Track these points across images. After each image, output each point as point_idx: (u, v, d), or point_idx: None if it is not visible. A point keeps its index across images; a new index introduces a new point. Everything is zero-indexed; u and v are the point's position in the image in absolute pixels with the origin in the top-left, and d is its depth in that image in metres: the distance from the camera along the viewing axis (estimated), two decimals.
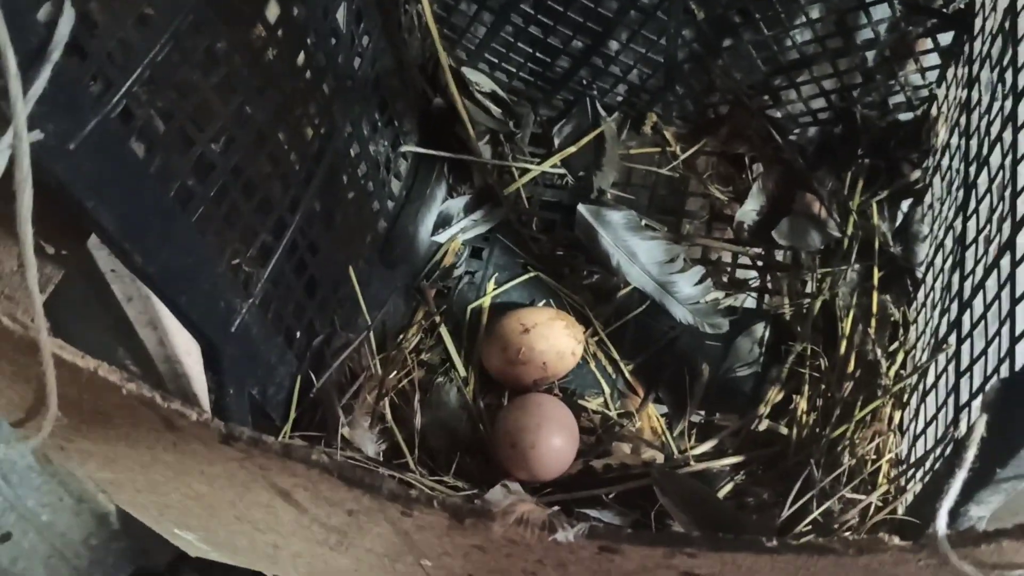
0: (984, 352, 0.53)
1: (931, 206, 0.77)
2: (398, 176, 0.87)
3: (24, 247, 0.38)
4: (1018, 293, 0.49)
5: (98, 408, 0.47)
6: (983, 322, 0.54)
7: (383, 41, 0.78)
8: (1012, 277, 0.50)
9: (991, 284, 0.53)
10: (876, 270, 0.78)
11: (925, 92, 0.82)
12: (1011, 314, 0.49)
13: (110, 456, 0.55)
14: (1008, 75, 0.56)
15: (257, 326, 0.65)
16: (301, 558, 0.66)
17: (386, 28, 0.78)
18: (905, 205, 0.82)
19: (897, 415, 0.71)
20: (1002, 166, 0.56)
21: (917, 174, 0.81)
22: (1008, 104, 0.55)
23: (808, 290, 0.82)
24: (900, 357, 0.73)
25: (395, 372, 0.78)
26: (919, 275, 0.76)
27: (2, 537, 1.03)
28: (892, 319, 0.75)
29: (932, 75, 0.80)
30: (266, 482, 0.51)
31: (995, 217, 0.55)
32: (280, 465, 0.48)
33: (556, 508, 0.46)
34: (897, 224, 0.81)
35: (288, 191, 0.66)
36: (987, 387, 0.52)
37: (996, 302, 0.52)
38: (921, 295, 0.74)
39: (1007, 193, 0.55)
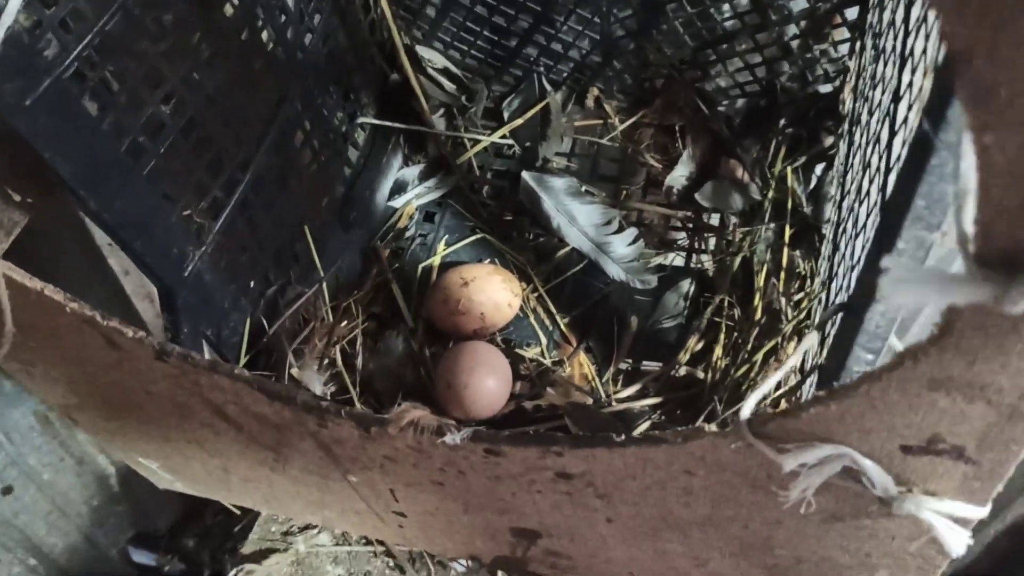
0: (840, 287, 0.59)
1: (837, 169, 0.83)
2: (356, 146, 0.95)
3: None
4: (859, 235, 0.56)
5: (51, 330, 0.55)
6: (843, 260, 0.61)
7: (335, 20, 0.85)
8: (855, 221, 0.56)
9: (849, 226, 0.60)
10: (788, 228, 0.84)
11: (841, 64, 0.88)
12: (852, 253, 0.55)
13: (71, 378, 0.62)
14: (869, 39, 0.62)
15: (210, 273, 0.72)
16: (250, 483, 0.74)
17: (337, 8, 0.85)
18: (819, 169, 0.89)
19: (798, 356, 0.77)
20: (868, 123, 0.62)
21: (831, 140, 0.87)
22: (874, 66, 0.61)
23: (731, 249, 0.88)
24: (804, 304, 0.80)
25: (346, 322, 0.85)
26: (824, 232, 0.82)
27: (4, 490, 1.07)
28: (799, 272, 0.81)
29: (844, 48, 0.86)
30: (201, 400, 0.59)
31: (859, 171, 0.62)
32: (209, 380, 0.55)
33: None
34: (811, 187, 0.88)
35: (239, 151, 0.73)
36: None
37: (851, 241, 0.59)
38: (823, 248, 0.81)
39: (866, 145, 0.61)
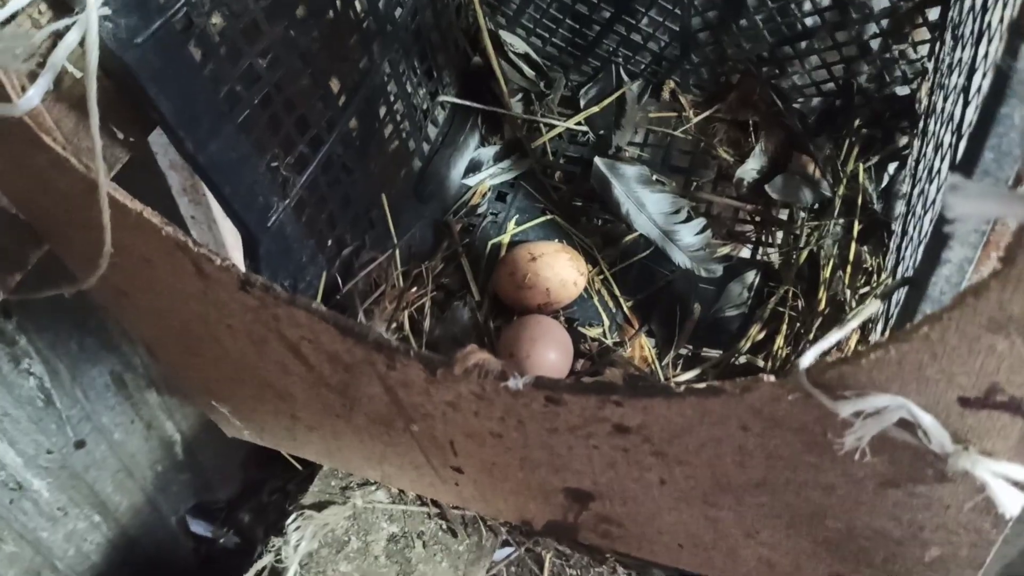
0: (907, 268, 0.60)
1: (911, 167, 0.83)
2: (435, 123, 0.97)
3: (89, 94, 0.49)
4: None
5: (144, 256, 0.58)
6: (911, 242, 0.61)
7: None
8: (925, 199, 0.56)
9: (919, 209, 0.60)
10: (856, 223, 0.84)
11: (919, 66, 0.88)
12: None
13: (158, 309, 0.66)
14: (948, 33, 0.62)
15: (291, 226, 0.75)
16: (314, 432, 0.76)
17: None
18: (892, 168, 0.89)
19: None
20: (942, 108, 0.62)
21: (905, 140, 0.88)
22: (951, 56, 0.62)
23: (798, 243, 0.89)
24: (869, 298, 0.80)
25: (415, 289, 0.88)
26: (893, 228, 0.82)
27: (78, 443, 1.11)
28: (866, 266, 0.82)
29: (924, 49, 0.87)
30: (278, 335, 0.61)
31: (933, 160, 0.62)
32: (287, 314, 0.57)
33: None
34: (883, 185, 0.88)
35: (326, 112, 0.76)
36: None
37: (920, 223, 0.59)
38: (892, 244, 0.81)
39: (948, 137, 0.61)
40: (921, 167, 0.67)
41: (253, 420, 0.81)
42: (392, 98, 0.87)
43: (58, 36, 0.49)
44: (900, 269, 0.64)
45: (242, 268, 0.74)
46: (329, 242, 0.81)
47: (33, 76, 0.49)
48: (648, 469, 0.59)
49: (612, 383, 0.52)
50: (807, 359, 0.46)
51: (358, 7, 0.78)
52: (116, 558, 1.18)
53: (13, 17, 0.49)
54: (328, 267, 0.81)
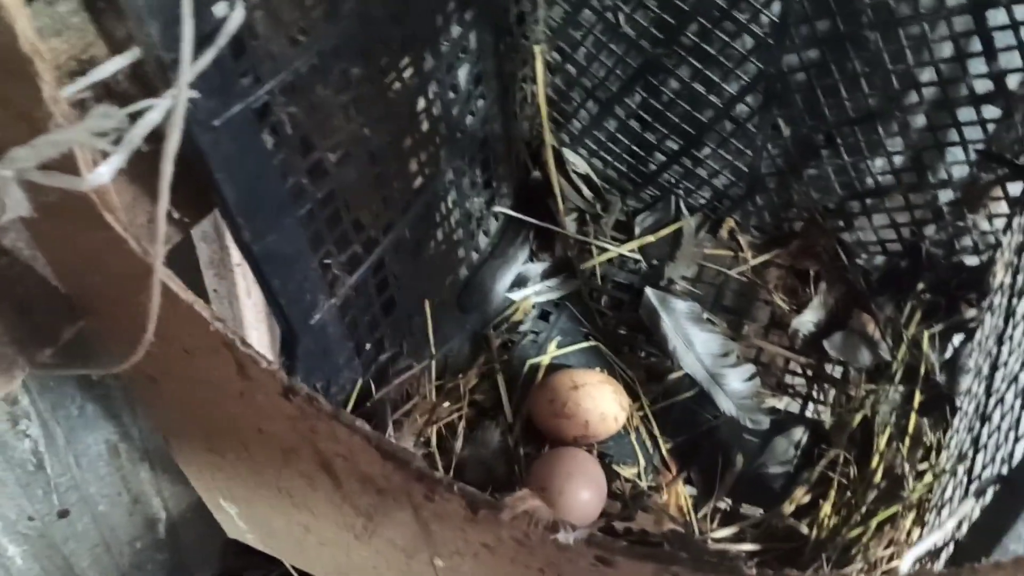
0: (989, 460, 0.56)
1: (980, 342, 0.80)
2: (487, 233, 0.95)
3: (162, 177, 0.46)
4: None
5: (185, 346, 0.54)
6: (997, 432, 0.57)
7: (496, 107, 0.87)
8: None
9: (1009, 397, 0.56)
10: (918, 394, 0.80)
11: (992, 239, 0.86)
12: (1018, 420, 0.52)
13: (188, 402, 0.62)
14: None
15: (333, 326, 0.71)
16: (326, 547, 0.71)
17: (500, 98, 0.87)
18: (957, 340, 0.85)
19: (916, 532, 0.72)
20: None
21: (973, 313, 0.84)
22: None
23: (851, 404, 0.85)
24: (928, 478, 0.75)
25: (448, 403, 0.84)
26: (959, 404, 0.78)
27: (61, 513, 1.06)
28: (925, 441, 0.78)
29: (1000, 222, 0.84)
30: (312, 448, 0.57)
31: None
32: (328, 429, 0.54)
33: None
34: (947, 356, 0.84)
35: (385, 213, 0.74)
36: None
37: (1010, 412, 0.55)
38: (956, 421, 0.77)
39: None
40: (1005, 351, 0.63)
41: (262, 526, 0.76)
42: (450, 205, 0.84)
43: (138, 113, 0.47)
44: (980, 458, 0.60)
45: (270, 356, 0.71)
46: (367, 346, 0.78)
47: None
48: None
49: (674, 553, 0.48)
50: (907, 564, 0.42)
51: (434, 112, 0.76)
52: None
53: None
54: (363, 372, 0.77)
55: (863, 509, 0.74)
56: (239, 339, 0.51)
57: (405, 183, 0.76)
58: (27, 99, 0.40)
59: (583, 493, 0.77)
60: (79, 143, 0.41)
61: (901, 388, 0.82)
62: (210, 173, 0.56)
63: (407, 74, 0.71)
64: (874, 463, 0.78)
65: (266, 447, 0.61)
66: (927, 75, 0.79)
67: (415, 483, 0.53)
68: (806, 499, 0.80)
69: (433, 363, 0.84)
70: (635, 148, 0.98)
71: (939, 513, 0.68)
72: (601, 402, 0.82)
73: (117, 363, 0.55)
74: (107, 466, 1.05)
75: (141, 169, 0.48)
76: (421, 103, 0.74)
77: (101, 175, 0.44)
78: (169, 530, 1.17)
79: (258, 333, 0.88)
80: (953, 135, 0.82)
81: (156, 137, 0.45)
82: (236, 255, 0.81)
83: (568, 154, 0.99)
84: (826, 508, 0.77)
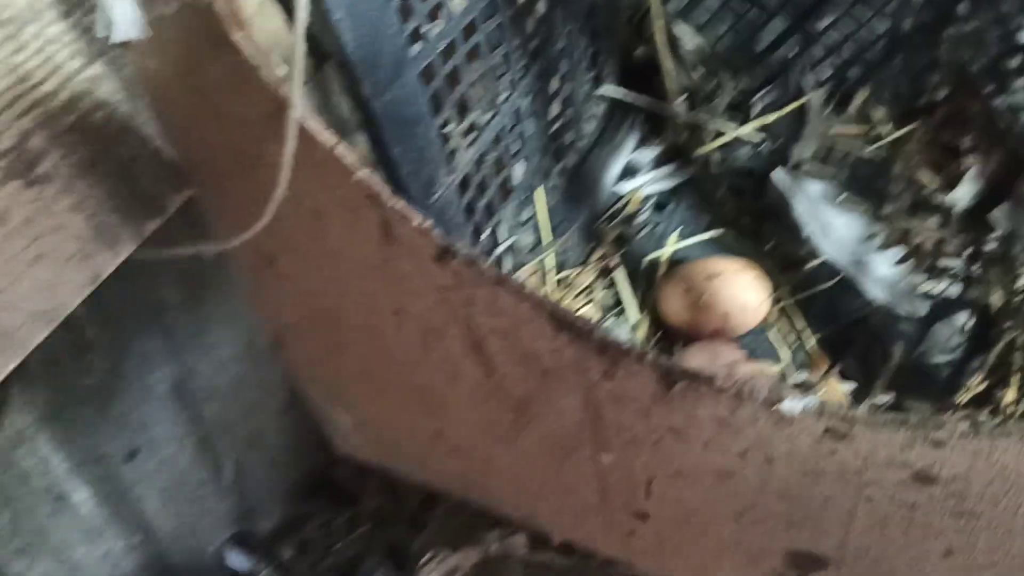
0: None
1: None
2: (594, 117, 0.86)
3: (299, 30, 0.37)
4: None
5: (317, 206, 0.46)
6: None
7: None
8: None
9: None
10: None
11: None
12: None
13: (310, 284, 0.53)
14: None
15: (453, 208, 0.63)
16: (461, 453, 0.63)
17: None
18: None
19: None
20: None
21: None
22: None
23: (1020, 283, 0.76)
24: None
25: (566, 301, 0.75)
26: None
27: (130, 454, 1.02)
28: None
29: None
30: (463, 327, 0.49)
31: None
32: (489, 298, 0.45)
33: None
34: None
35: (506, 74, 0.65)
36: None
37: None
38: None
39: None
40: None
41: (380, 434, 0.68)
42: (561, 79, 0.75)
43: None
44: None
45: None
46: (483, 234, 0.69)
47: None
48: (937, 535, 0.46)
49: (936, 417, 0.39)
50: None
51: None
52: None
53: None
54: None
55: None
56: (386, 191, 0.42)
57: (524, 42, 0.67)
58: None
59: None
60: None
61: None
62: (325, 12, 0.47)
63: None
64: None
65: (404, 333, 0.52)
66: None
67: (594, 357, 0.45)
68: (981, 388, 0.71)
69: (553, 256, 0.75)
70: (750, 17, 0.88)
71: None
72: (742, 291, 0.74)
73: (232, 237, 0.47)
74: (173, 405, 1.00)
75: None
76: None
77: None
78: (237, 473, 1.12)
79: None
80: None
81: None
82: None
83: (677, 28, 0.89)
84: (1010, 394, 0.68)
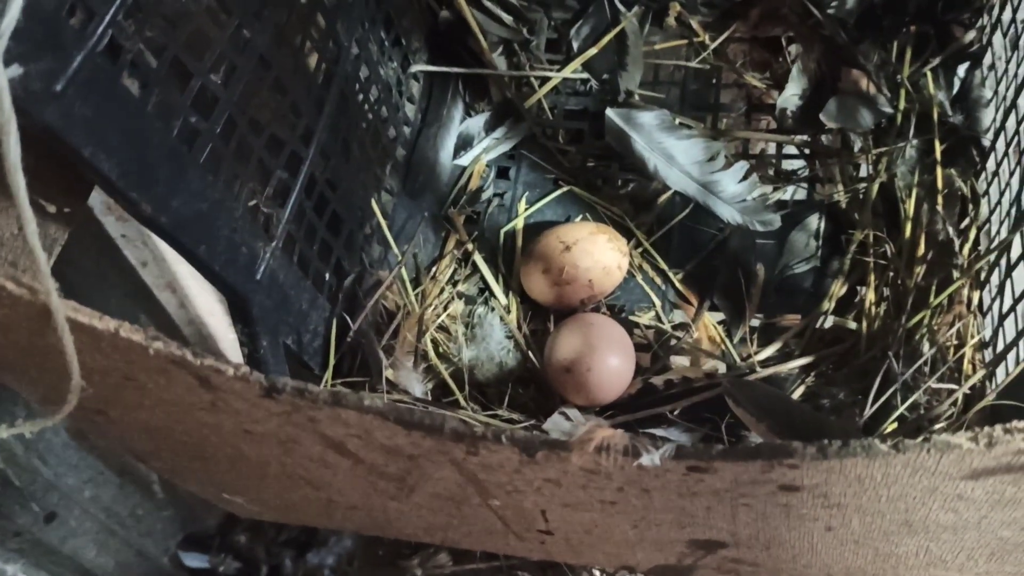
0: None
1: (992, 67, 0.71)
2: (411, 100, 0.82)
3: (19, 199, 0.33)
4: None
5: (127, 374, 0.43)
6: None
7: None
8: None
9: None
10: (937, 143, 0.72)
11: None
12: None
13: (149, 424, 0.51)
14: None
15: (284, 271, 0.60)
16: (359, 511, 0.63)
17: None
18: (962, 70, 0.76)
19: (976, 296, 0.66)
20: None
21: (972, 35, 0.75)
22: None
23: (863, 174, 0.76)
24: (973, 233, 0.68)
25: (433, 307, 0.74)
26: (986, 143, 0.70)
27: (48, 517, 1.00)
28: (960, 193, 0.70)
29: None
30: (316, 435, 0.47)
31: None
32: (330, 415, 0.44)
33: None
34: (955, 92, 0.75)
35: (300, 122, 0.61)
36: None
37: None
38: (991, 163, 0.69)
39: None
40: None
41: (275, 506, 0.67)
42: (364, 83, 0.71)
43: None
44: None
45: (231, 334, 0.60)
46: (327, 275, 0.67)
47: None
48: (814, 520, 0.48)
49: (784, 447, 0.40)
50: None
51: None
52: None
53: None
54: (331, 306, 0.67)
55: (914, 288, 0.67)
56: (189, 352, 0.40)
57: (311, 78, 0.62)
58: None
59: (611, 360, 0.68)
60: None
61: (915, 142, 0.73)
62: (75, 151, 0.42)
63: None
64: (908, 232, 0.70)
65: (260, 444, 0.50)
66: None
67: (452, 444, 0.44)
68: (843, 291, 0.72)
69: (403, 268, 0.73)
70: None
71: (1009, 273, 0.61)
72: (600, 256, 0.73)
73: (50, 415, 0.44)
74: (76, 452, 0.99)
75: None
76: None
77: None
78: (166, 486, 1.12)
79: (208, 296, 0.76)
80: None
81: None
82: None
83: None
84: (870, 295, 0.70)
